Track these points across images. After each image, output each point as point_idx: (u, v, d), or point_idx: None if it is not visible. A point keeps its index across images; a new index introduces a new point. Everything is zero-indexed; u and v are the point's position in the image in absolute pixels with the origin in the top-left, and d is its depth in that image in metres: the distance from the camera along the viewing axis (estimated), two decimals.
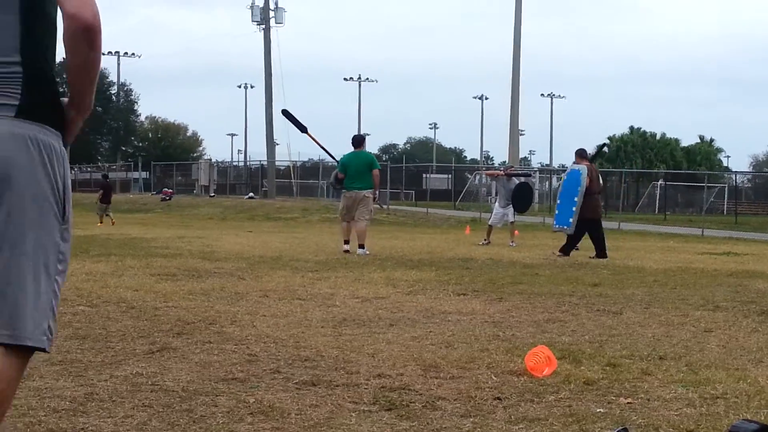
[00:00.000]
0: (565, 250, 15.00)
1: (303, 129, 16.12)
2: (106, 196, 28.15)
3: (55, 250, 2.65)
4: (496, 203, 19.98)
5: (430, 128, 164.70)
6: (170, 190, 49.37)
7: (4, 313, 2.57)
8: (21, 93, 2.58)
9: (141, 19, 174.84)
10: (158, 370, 4.85)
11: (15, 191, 2.56)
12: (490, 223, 19.55)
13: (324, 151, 16.90)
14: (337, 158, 16.26)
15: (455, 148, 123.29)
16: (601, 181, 16.30)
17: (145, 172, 68.19)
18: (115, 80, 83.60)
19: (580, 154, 16.37)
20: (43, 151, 2.59)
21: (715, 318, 7.36)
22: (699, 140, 78.82)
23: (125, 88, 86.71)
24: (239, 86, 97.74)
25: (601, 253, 14.65)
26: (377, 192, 15.38)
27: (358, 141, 15.32)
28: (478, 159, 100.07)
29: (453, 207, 43.18)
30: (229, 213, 38.35)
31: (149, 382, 4.56)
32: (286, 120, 16.36)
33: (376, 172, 14.99)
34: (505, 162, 60.20)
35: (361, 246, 14.46)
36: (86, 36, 2.53)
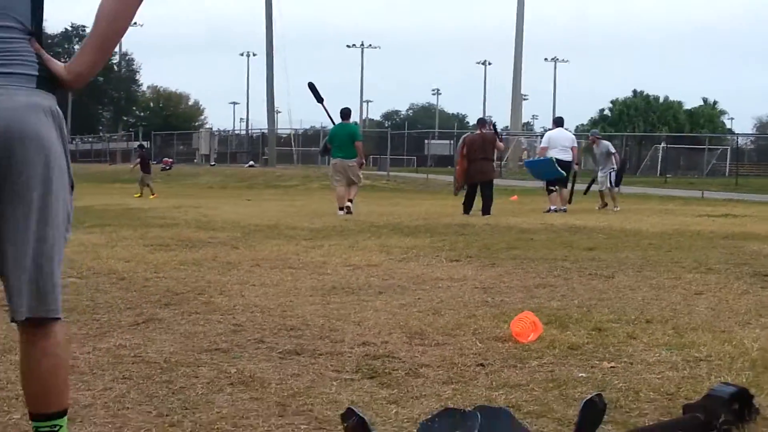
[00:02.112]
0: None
1: (320, 100, 17.85)
2: (146, 166, 27.55)
3: (68, 222, 2.65)
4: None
5: (433, 94, 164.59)
6: (170, 160, 49.32)
7: (50, 289, 2.56)
8: (38, 62, 2.53)
9: None
10: (142, 342, 4.84)
11: (50, 166, 2.52)
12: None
13: (333, 123, 17.82)
14: None
15: (458, 113, 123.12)
16: (497, 144, 17.69)
17: (146, 142, 68.03)
18: (116, 50, 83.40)
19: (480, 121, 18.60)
20: (60, 122, 2.56)
21: (707, 280, 7.34)
22: (702, 103, 78.52)
23: (127, 58, 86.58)
24: (241, 54, 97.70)
25: (486, 210, 16.64)
26: (362, 159, 17.33)
27: (345, 114, 17.18)
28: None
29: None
30: (229, 182, 38.32)
31: (131, 354, 4.54)
32: (309, 90, 18.01)
33: (358, 143, 16.87)
34: (507, 127, 60.09)
35: (350, 200, 16.49)
36: None
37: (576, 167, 19.58)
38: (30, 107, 2.48)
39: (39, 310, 2.55)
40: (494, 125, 19.00)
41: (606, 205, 19.80)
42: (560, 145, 18.58)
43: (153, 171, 29.39)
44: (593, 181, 21.23)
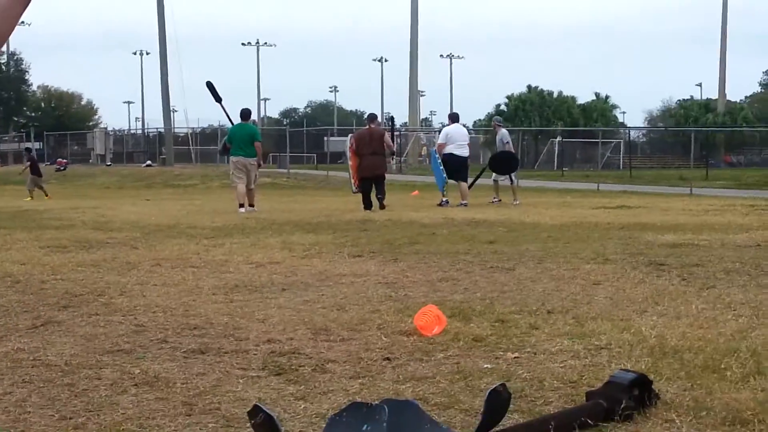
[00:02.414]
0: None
1: (219, 100, 18.32)
2: (36, 169, 26.87)
3: None
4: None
5: (330, 91, 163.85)
6: (65, 160, 48.24)
7: None
8: None
9: None
10: (41, 345, 4.73)
11: None
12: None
13: (231, 123, 18.12)
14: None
15: (356, 110, 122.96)
16: (384, 139, 17.99)
17: (38, 143, 66.42)
18: (4, 49, 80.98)
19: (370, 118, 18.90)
20: None
21: (605, 270, 7.50)
22: (595, 97, 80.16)
23: (15, 58, 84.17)
24: (134, 53, 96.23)
25: (380, 205, 17.11)
26: (261, 160, 17.98)
27: (244, 114, 17.61)
28: (380, 121, 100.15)
29: None
30: (126, 182, 37.68)
31: (31, 358, 4.43)
32: (208, 90, 18.36)
33: (257, 144, 17.32)
34: (405, 123, 60.41)
35: (252, 205, 17.04)
36: None
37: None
38: None
39: None
40: (392, 119, 19.18)
41: (500, 199, 19.90)
42: (458, 141, 18.80)
43: (47, 173, 28.72)
44: (481, 173, 21.37)
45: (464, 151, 18.78)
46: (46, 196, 25.75)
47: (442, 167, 18.67)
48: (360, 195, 17.52)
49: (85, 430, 3.27)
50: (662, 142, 71.39)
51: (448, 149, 18.70)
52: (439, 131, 19.35)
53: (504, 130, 20.84)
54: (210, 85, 18.32)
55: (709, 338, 4.67)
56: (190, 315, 5.56)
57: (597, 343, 4.63)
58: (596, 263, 7.99)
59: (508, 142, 20.24)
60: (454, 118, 19.81)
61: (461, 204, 18.12)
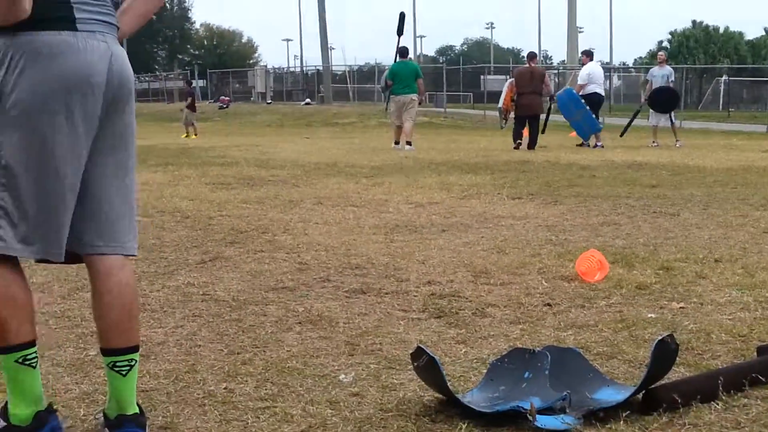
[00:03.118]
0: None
1: (400, 33, 18.73)
2: (192, 105, 27.17)
3: None
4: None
5: (487, 28, 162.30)
6: (227, 98, 49.35)
7: (128, 226, 2.65)
8: (114, 14, 2.61)
9: None
10: (210, 280, 4.89)
11: (131, 108, 2.65)
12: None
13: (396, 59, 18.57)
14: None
15: (513, 48, 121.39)
16: (544, 79, 17.83)
17: (201, 81, 68.26)
18: None
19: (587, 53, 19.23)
20: None
21: None
22: (765, 33, 76.60)
23: None
24: None
25: (532, 144, 17.08)
26: (423, 97, 18.54)
27: (403, 52, 17.95)
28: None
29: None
30: (286, 120, 38.38)
31: (200, 292, 4.60)
32: (398, 20, 18.97)
33: (420, 81, 17.48)
34: (563, 61, 59.17)
35: (408, 143, 17.04)
36: None
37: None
38: (126, 57, 2.61)
39: (116, 247, 2.61)
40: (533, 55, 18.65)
41: (658, 144, 18.91)
42: (599, 80, 18.53)
43: (210, 110, 29.30)
44: (637, 112, 20.52)
45: (602, 90, 18.65)
46: (195, 134, 25.63)
47: (587, 107, 18.13)
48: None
49: (253, 366, 3.36)
50: None
51: (591, 88, 18.29)
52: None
53: (667, 67, 19.91)
54: (402, 16, 19.00)
55: None
56: (351, 254, 5.64)
57: None
58: (767, 210, 7.68)
59: (672, 80, 19.39)
60: (590, 55, 19.23)
61: (598, 145, 17.80)
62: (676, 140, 18.79)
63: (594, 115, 18.14)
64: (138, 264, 5.31)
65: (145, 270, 5.16)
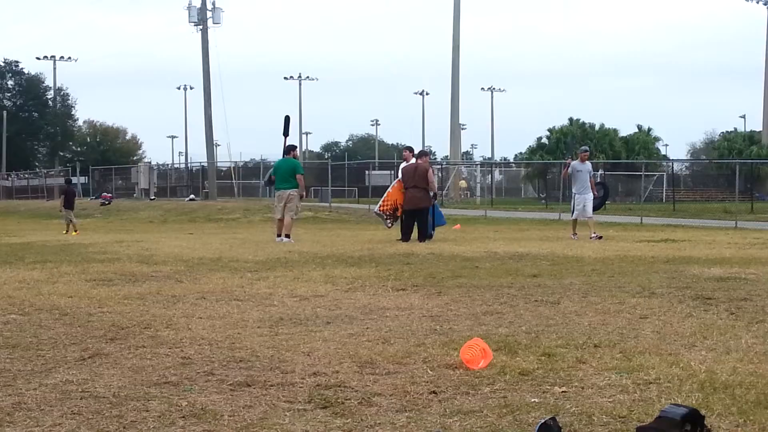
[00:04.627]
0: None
1: (286, 135, 19.31)
2: (68, 202, 26.58)
3: None
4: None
5: (372, 125, 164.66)
6: (109, 195, 48.68)
7: None
8: None
9: (77, 23, 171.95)
10: (89, 377, 4.76)
11: None
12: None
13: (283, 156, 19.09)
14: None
15: (397, 143, 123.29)
16: (428, 175, 17.88)
17: (83, 177, 67.23)
18: (51, 85, 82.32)
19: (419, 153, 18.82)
20: None
21: (651, 304, 7.43)
22: (637, 129, 79.63)
23: (62, 93, 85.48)
24: (178, 88, 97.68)
25: (421, 237, 17.46)
26: (303, 192, 18.85)
27: (288, 150, 18.73)
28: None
29: None
30: (169, 216, 37.98)
31: (79, 390, 4.47)
32: (284, 122, 19.55)
33: (299, 176, 18.30)
34: (446, 157, 60.46)
35: (287, 236, 17.79)
36: None
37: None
38: None
39: None
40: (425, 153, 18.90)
41: (576, 234, 18.72)
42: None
43: (92, 207, 28.83)
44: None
45: None
46: (75, 231, 25.08)
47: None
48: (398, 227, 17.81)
49: None
50: (706, 175, 70.75)
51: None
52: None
53: (588, 163, 19.57)
54: (287, 120, 19.67)
55: (761, 373, 4.61)
56: (235, 348, 5.57)
57: (646, 377, 4.58)
58: (642, 297, 7.92)
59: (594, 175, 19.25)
60: (413, 151, 18.98)
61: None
62: (592, 232, 18.56)
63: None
64: (14, 363, 5.15)
65: (21, 369, 5.00)
